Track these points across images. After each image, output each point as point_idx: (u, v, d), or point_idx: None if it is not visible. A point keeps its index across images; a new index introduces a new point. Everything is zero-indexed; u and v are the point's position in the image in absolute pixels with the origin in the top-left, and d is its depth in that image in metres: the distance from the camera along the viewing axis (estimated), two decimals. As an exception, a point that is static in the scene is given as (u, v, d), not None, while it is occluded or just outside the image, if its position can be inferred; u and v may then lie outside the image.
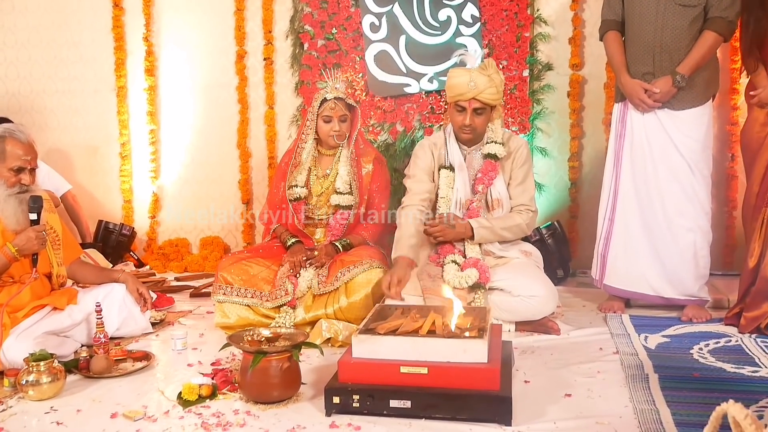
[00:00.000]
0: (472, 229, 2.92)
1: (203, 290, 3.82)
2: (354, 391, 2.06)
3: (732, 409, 1.01)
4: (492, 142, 3.01)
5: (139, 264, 4.45)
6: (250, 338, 2.25)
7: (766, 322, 2.79)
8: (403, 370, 2.05)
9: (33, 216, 2.67)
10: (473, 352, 2.04)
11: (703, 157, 3.06)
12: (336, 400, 2.07)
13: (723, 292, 3.34)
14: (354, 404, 2.05)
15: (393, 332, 2.16)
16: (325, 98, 3.15)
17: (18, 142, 2.63)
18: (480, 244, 2.97)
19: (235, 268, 3.00)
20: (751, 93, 2.92)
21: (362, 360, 2.10)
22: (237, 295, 2.94)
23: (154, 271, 4.37)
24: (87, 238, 4.34)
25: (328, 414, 2.08)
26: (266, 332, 2.29)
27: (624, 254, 3.18)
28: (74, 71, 4.72)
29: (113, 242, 4.41)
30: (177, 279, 4.22)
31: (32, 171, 2.70)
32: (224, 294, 2.95)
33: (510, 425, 1.97)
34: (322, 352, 2.37)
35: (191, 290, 3.87)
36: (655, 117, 3.07)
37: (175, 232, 4.75)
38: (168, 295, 3.68)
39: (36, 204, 2.67)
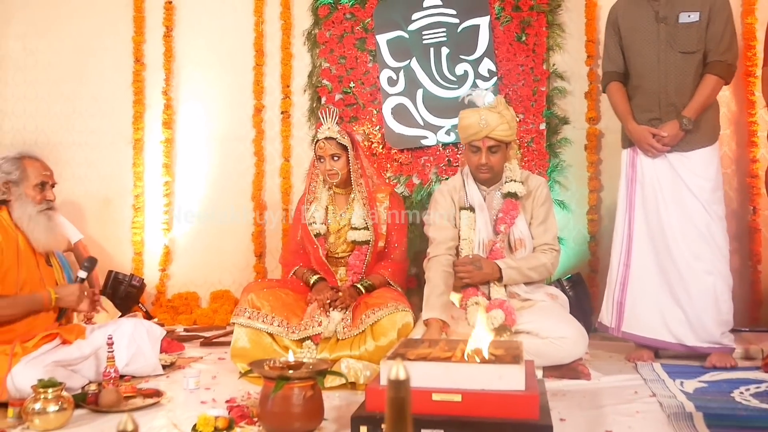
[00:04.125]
0: (499, 270, 2.84)
1: (214, 340, 3.70)
2: (383, 420, 1.93)
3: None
4: (511, 181, 2.98)
5: (148, 316, 4.32)
6: (271, 365, 2.14)
7: (806, 367, 2.68)
8: (436, 397, 1.93)
9: (83, 274, 2.72)
10: (510, 378, 1.92)
11: (715, 198, 3.03)
12: (363, 430, 1.94)
13: (754, 343, 3.22)
14: (382, 434, 1.92)
15: (424, 358, 2.05)
16: (317, 138, 3.16)
17: (35, 159, 2.73)
18: (506, 286, 2.88)
19: (266, 293, 2.90)
20: None
21: (391, 387, 1.98)
22: (263, 321, 2.83)
23: (162, 322, 4.25)
24: (95, 287, 4.24)
25: (355, 445, 1.94)
26: (289, 360, 2.18)
27: (642, 300, 3.09)
28: (92, 124, 4.77)
29: (122, 293, 4.31)
30: (186, 330, 4.10)
31: (52, 187, 2.76)
32: (249, 317, 2.83)
33: (551, 456, 1.84)
34: (346, 380, 2.26)
35: (201, 339, 3.75)
36: (666, 160, 3.05)
37: (185, 285, 4.65)
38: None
39: (90, 264, 2.76)
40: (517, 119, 4.04)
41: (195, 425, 2.11)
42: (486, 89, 3.07)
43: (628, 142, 3.18)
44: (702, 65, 3.00)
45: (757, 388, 2.57)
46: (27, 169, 2.67)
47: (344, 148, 3.14)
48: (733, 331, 3.05)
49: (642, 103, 3.09)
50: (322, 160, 3.14)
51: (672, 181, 3.04)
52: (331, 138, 3.12)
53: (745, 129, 3.86)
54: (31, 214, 2.63)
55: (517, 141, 2.99)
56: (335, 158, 3.12)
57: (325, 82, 4.36)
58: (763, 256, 3.84)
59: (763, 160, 3.76)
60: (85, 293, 2.67)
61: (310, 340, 2.82)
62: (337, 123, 3.19)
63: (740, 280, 3.23)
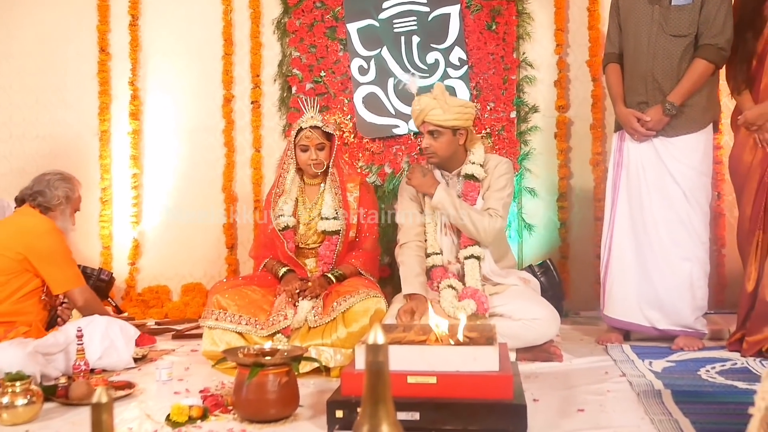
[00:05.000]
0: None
1: (186, 332, 3.66)
2: (358, 404, 1.92)
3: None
4: (470, 163, 2.99)
5: (118, 310, 4.25)
6: (245, 353, 2.13)
7: (768, 345, 2.75)
8: (411, 380, 1.94)
9: None
10: (484, 359, 1.94)
11: (698, 184, 3.05)
12: (339, 414, 1.94)
13: (721, 324, 3.29)
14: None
15: (399, 342, 2.06)
16: (301, 127, 3.13)
17: (80, 187, 3.08)
18: (481, 274, 2.90)
19: (231, 293, 2.87)
20: (738, 118, 2.96)
21: (366, 371, 1.98)
22: (230, 321, 2.80)
23: (133, 316, 4.20)
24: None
25: (331, 430, 1.95)
26: (263, 347, 2.17)
27: (620, 283, 3.14)
28: (56, 116, 4.66)
29: (91, 287, 4.17)
30: (157, 324, 4.06)
31: None
32: (216, 319, 2.80)
33: (525, 436, 1.86)
34: (319, 363, 2.26)
35: (173, 332, 3.71)
36: (651, 145, 3.08)
37: (155, 279, 4.59)
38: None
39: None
40: (489, 110, 4.08)
41: (169, 415, 2.09)
42: (413, 76, 3.16)
43: (618, 125, 3.21)
44: (694, 49, 2.99)
45: (723, 366, 2.64)
46: (79, 195, 3.08)
47: (328, 137, 3.12)
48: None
49: (631, 85, 3.11)
50: (305, 150, 3.11)
51: (655, 167, 3.07)
52: (316, 127, 3.09)
53: (710, 116, 3.92)
54: (68, 231, 3.01)
55: (468, 126, 2.97)
56: (320, 148, 3.10)
57: (295, 71, 4.34)
58: (727, 240, 3.93)
59: (727, 147, 3.82)
60: None
61: (280, 334, 2.79)
62: (319, 112, 3.18)
63: (707, 264, 3.32)
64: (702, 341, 3.03)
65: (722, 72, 3.13)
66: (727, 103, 3.86)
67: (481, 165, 2.98)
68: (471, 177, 2.97)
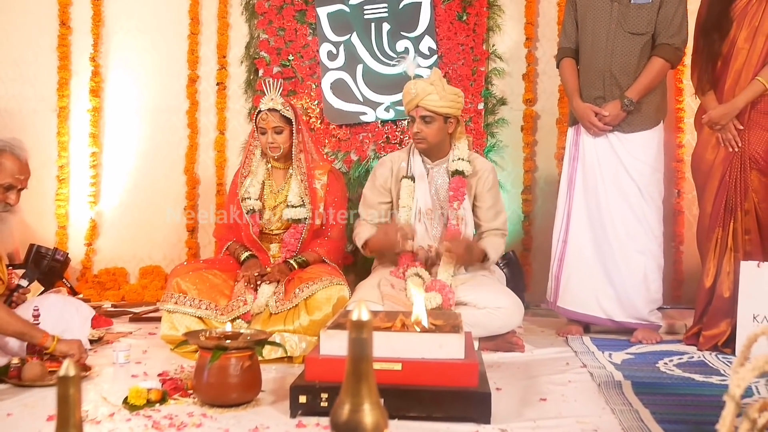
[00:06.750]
0: (484, 253, 2.92)
1: (144, 315, 3.59)
2: (322, 390, 1.92)
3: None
4: (458, 159, 3.00)
5: (72, 292, 4.13)
6: (207, 336, 2.08)
7: (724, 339, 2.82)
8: (376, 366, 1.88)
9: (24, 283, 2.86)
10: (450, 347, 1.94)
11: (652, 180, 3.11)
12: (302, 399, 1.92)
13: (676, 318, 3.37)
14: (322, 404, 1.91)
15: (364, 328, 2.04)
16: (260, 109, 3.08)
17: (16, 159, 2.48)
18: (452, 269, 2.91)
19: (191, 277, 2.81)
20: (702, 117, 3.01)
21: (331, 356, 1.96)
22: (190, 305, 2.75)
23: (89, 298, 4.09)
24: (16, 261, 4.03)
25: (293, 415, 1.93)
26: (226, 330, 2.13)
27: (576, 276, 3.18)
28: (12, 90, 4.50)
29: (45, 267, 4.05)
30: (114, 306, 3.96)
31: (20, 191, 2.54)
32: (176, 303, 2.75)
33: (489, 423, 1.87)
34: (285, 351, 2.23)
35: (131, 315, 3.63)
36: (606, 140, 3.13)
37: (113, 260, 4.48)
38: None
39: (31, 276, 2.93)
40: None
41: (126, 398, 2.04)
42: (414, 57, 3.20)
43: (573, 119, 3.24)
44: (651, 47, 3.05)
45: (680, 359, 2.70)
46: (2, 164, 2.48)
47: (288, 121, 3.07)
48: (658, 308, 3.17)
49: (588, 80, 3.15)
50: (263, 133, 3.07)
51: (611, 162, 3.11)
52: (274, 110, 3.04)
53: (673, 115, 3.99)
54: None
55: (459, 117, 2.99)
56: (278, 131, 3.05)
57: (263, 53, 4.26)
58: (685, 237, 4.01)
59: (689, 146, 3.90)
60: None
61: (240, 320, 2.75)
62: (280, 95, 3.13)
63: (664, 260, 3.37)
64: (660, 335, 3.09)
65: (684, 72, 3.19)
66: (691, 102, 3.94)
67: (468, 162, 2.99)
68: (460, 173, 2.97)
